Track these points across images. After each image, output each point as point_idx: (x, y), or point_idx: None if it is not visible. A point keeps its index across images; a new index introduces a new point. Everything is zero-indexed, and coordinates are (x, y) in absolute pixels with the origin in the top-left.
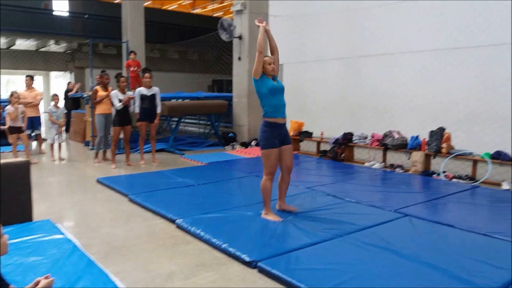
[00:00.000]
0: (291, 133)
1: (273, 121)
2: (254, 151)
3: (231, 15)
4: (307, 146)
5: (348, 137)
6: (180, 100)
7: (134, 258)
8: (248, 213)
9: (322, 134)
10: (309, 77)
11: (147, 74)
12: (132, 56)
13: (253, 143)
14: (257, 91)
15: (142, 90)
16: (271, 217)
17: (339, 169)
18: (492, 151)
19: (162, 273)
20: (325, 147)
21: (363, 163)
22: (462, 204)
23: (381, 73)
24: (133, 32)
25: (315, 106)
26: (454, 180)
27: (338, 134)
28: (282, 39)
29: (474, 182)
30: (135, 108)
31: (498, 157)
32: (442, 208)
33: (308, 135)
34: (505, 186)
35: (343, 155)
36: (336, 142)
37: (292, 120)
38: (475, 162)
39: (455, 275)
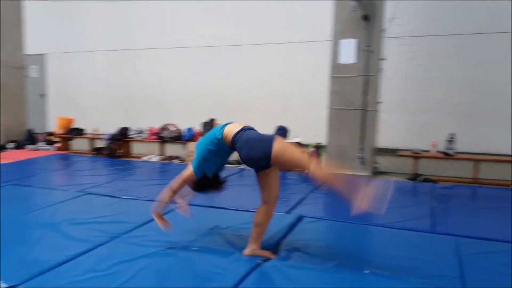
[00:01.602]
0: (59, 131)
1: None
2: (11, 156)
3: None
4: (79, 144)
5: (124, 132)
6: None
7: None
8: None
9: (95, 131)
10: (76, 69)
11: None
12: None
13: (10, 145)
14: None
15: None
16: (265, 253)
17: (116, 167)
18: None
19: None
20: (100, 144)
21: (141, 158)
22: (232, 186)
23: (154, 67)
24: None
25: (85, 100)
26: (226, 165)
27: (114, 129)
28: (44, 26)
29: (241, 166)
30: None
31: None
32: None
33: (79, 132)
34: None
35: (120, 151)
36: (112, 138)
37: (59, 117)
38: None
39: (228, 252)
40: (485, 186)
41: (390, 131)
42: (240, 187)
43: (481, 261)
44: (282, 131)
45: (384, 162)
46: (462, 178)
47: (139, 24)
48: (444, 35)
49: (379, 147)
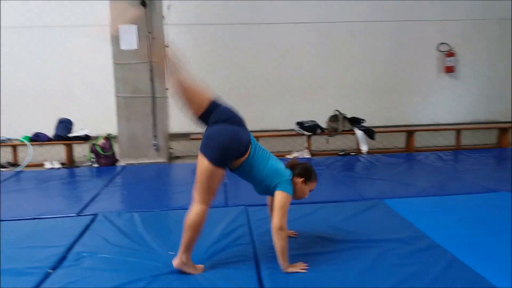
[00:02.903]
0: None
1: None
2: None
3: None
4: None
5: None
6: None
7: None
8: None
9: None
10: None
11: None
12: None
13: None
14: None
15: None
16: (193, 269)
17: None
18: (30, 134)
19: None
20: None
21: None
22: (9, 193)
23: None
24: None
25: None
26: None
27: None
28: None
29: (17, 168)
30: None
31: (37, 139)
32: None
33: None
34: (48, 165)
35: None
36: None
37: None
38: (15, 147)
39: (11, 270)
40: None
41: (181, 116)
42: (18, 193)
43: (266, 225)
44: (65, 124)
45: (179, 147)
46: None
47: None
48: (220, 24)
49: (173, 132)
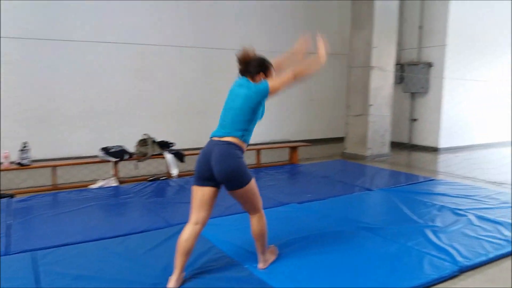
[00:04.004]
0: None
1: (245, 149)
2: None
3: None
4: None
5: None
6: None
7: None
8: None
9: None
10: None
11: None
12: None
13: None
14: (255, 109)
15: None
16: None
17: None
18: None
19: None
20: None
21: None
22: None
23: None
24: None
25: None
26: None
27: None
28: None
29: None
30: None
31: None
32: None
33: None
34: None
35: None
36: None
37: None
38: None
39: None
40: (64, 190)
41: None
42: None
43: (58, 269)
44: None
45: None
46: (42, 186)
47: None
48: (8, 38)
49: None
